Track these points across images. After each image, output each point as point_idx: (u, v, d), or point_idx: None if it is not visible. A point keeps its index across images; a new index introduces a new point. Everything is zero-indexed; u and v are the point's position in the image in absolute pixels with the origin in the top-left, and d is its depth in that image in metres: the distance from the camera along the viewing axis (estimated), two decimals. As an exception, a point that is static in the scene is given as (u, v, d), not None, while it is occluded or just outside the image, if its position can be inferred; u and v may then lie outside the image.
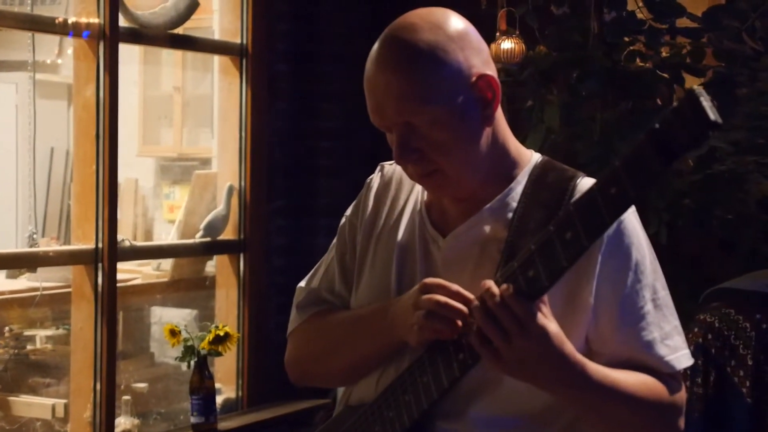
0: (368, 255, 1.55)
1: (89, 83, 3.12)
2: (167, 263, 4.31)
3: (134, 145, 6.13)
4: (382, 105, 1.41)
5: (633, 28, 3.05)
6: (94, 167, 3.11)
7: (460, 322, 1.35)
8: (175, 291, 4.25)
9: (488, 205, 1.46)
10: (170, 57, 6.03)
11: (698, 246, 3.04)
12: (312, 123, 3.81)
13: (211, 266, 4.01)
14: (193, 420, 3.04)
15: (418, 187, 1.55)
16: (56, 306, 4.00)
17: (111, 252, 3.12)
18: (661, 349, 1.42)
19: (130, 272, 4.30)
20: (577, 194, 1.40)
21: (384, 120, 1.43)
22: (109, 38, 3.11)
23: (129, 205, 5.72)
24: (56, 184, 6.08)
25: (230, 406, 3.59)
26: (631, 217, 1.43)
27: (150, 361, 4.37)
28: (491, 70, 1.45)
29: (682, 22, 3.07)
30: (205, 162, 5.83)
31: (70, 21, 3.10)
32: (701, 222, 2.92)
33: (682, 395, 1.45)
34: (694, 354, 1.88)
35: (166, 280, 4.28)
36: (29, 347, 4.08)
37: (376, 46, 1.44)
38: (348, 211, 1.63)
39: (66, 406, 3.58)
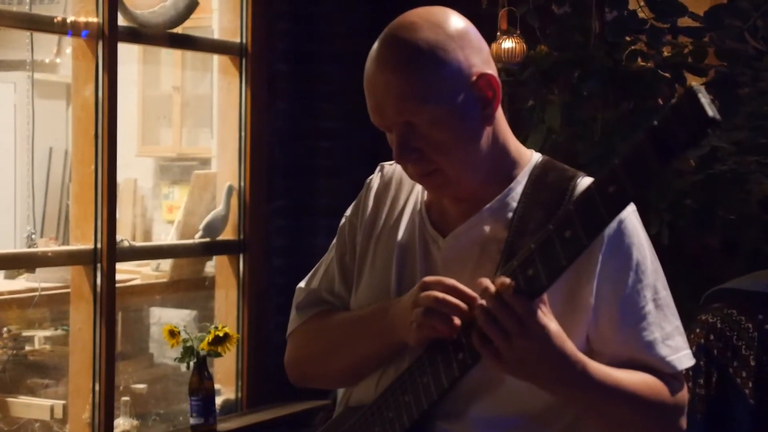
0: (368, 255, 1.55)
1: (88, 83, 3.12)
2: (166, 264, 4.31)
3: (133, 145, 6.13)
4: (382, 104, 1.41)
5: (634, 27, 3.05)
6: (93, 167, 3.11)
7: (458, 320, 1.34)
8: (174, 291, 4.25)
9: (488, 205, 1.46)
10: (169, 56, 6.03)
11: (700, 246, 3.04)
12: (312, 123, 3.81)
13: (211, 267, 4.01)
14: (192, 421, 3.04)
15: (418, 187, 1.55)
16: (55, 306, 4.00)
17: (110, 252, 3.12)
18: (663, 350, 1.41)
19: (129, 273, 4.29)
20: (577, 194, 1.39)
21: (384, 120, 1.43)
22: (108, 37, 3.10)
23: (128, 205, 5.71)
24: (55, 184, 6.08)
25: (230, 407, 3.58)
26: (631, 217, 1.43)
27: (149, 362, 4.36)
28: (491, 70, 1.44)
29: (684, 22, 3.06)
30: (205, 162, 5.83)
31: (68, 20, 3.09)
32: (703, 222, 2.91)
33: (683, 395, 1.45)
34: (696, 355, 1.87)
35: (165, 280, 4.27)
36: (28, 348, 4.09)
37: (375, 45, 1.44)
38: (348, 212, 1.62)
39: (65, 407, 3.58)
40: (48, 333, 4.13)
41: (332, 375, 1.58)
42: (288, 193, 3.76)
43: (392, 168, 1.60)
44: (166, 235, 5.31)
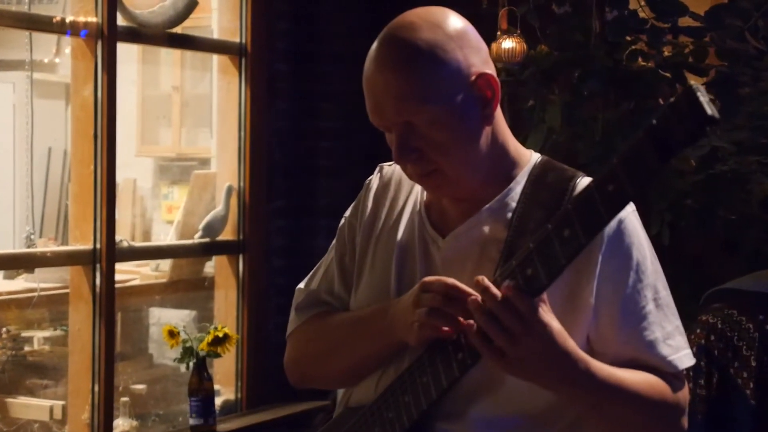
0: (368, 256, 1.55)
1: (87, 83, 3.12)
2: (166, 264, 4.30)
3: (132, 145, 6.12)
4: (381, 105, 1.41)
5: (635, 27, 3.04)
6: (92, 167, 3.11)
7: (462, 320, 1.34)
8: (173, 292, 4.25)
9: (488, 206, 1.46)
10: (169, 56, 6.03)
11: (700, 246, 3.04)
12: (312, 123, 3.81)
13: (210, 267, 4.01)
14: (191, 422, 3.03)
15: (418, 188, 1.55)
16: (54, 307, 3.99)
17: (109, 252, 3.12)
18: (664, 349, 1.41)
19: (128, 273, 4.29)
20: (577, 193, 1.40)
21: (383, 120, 1.42)
22: (107, 37, 3.10)
23: (127, 205, 5.71)
24: (54, 184, 6.07)
25: (229, 408, 3.58)
26: (631, 217, 1.43)
27: (148, 362, 4.36)
28: (490, 69, 1.44)
29: (685, 21, 3.06)
30: (204, 162, 5.82)
31: (67, 20, 3.09)
32: (703, 222, 2.91)
33: (685, 394, 1.45)
34: (696, 355, 1.87)
35: (164, 280, 4.27)
36: (27, 348, 4.09)
37: (375, 45, 1.44)
38: (347, 213, 1.62)
39: (64, 408, 3.58)
40: (47, 333, 4.13)
41: (332, 376, 1.58)
42: (288, 194, 3.76)
43: (391, 169, 1.60)
44: (165, 236, 5.30)
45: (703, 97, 1.11)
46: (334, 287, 1.59)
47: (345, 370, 1.53)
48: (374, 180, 1.60)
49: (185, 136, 6.24)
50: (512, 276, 1.28)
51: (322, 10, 3.81)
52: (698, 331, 2.12)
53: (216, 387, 3.26)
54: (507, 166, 1.48)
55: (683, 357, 1.43)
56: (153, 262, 4.43)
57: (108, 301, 3.11)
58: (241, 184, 3.63)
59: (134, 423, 3.38)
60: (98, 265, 3.11)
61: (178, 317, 4.27)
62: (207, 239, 3.58)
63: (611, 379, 1.36)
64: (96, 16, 3.09)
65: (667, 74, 3.02)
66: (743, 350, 2.07)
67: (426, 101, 1.38)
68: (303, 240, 3.76)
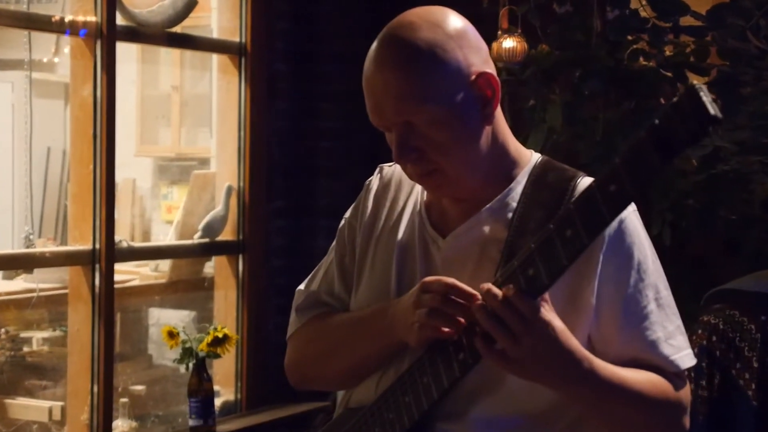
0: (368, 257, 1.55)
1: (86, 82, 3.11)
2: (165, 264, 4.30)
3: (132, 144, 6.12)
4: (381, 104, 1.41)
5: (636, 26, 3.04)
6: (91, 167, 3.11)
7: (463, 320, 1.34)
8: (173, 292, 4.24)
9: (488, 206, 1.46)
10: (168, 56, 6.03)
11: (702, 247, 3.03)
12: (312, 123, 3.80)
13: (210, 267, 4.01)
14: (191, 423, 3.03)
15: (418, 188, 1.54)
16: (53, 307, 4.00)
17: (108, 253, 3.12)
18: (666, 349, 1.42)
19: (127, 273, 4.29)
20: (578, 194, 1.39)
21: (383, 119, 1.42)
22: (106, 37, 3.10)
23: (126, 205, 5.70)
24: (53, 184, 6.07)
25: (229, 409, 3.58)
26: (632, 217, 1.43)
27: (148, 363, 4.36)
28: (491, 69, 1.44)
29: (686, 21, 3.05)
30: (204, 162, 5.82)
31: (66, 19, 3.09)
32: (705, 223, 2.90)
33: (687, 393, 1.45)
34: (698, 356, 1.87)
35: (164, 281, 4.27)
36: (26, 349, 4.09)
37: (374, 45, 1.44)
38: (347, 214, 1.62)
39: (63, 409, 3.58)
40: (46, 334, 4.13)
41: (332, 377, 1.57)
42: (287, 194, 3.76)
43: (391, 169, 1.60)
44: (164, 236, 5.30)
45: (706, 97, 1.11)
46: (334, 288, 1.59)
47: (345, 370, 1.53)
48: (374, 181, 1.60)
49: (185, 136, 6.24)
50: (514, 276, 1.28)
51: (322, 9, 3.81)
52: (700, 331, 2.12)
53: (216, 388, 3.26)
54: (507, 166, 1.48)
55: (685, 357, 1.43)
56: (152, 263, 4.43)
57: (107, 301, 3.11)
58: (241, 184, 3.62)
59: (133, 424, 3.38)
60: (97, 266, 3.10)
61: (178, 318, 4.27)
62: (206, 239, 3.58)
63: (614, 378, 1.36)
64: (95, 15, 3.09)
65: (669, 74, 3.02)
66: (745, 351, 2.07)
67: (426, 101, 1.38)
68: (303, 240, 3.75)
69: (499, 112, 1.46)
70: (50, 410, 3.69)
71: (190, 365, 3.01)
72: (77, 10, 3.11)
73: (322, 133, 3.82)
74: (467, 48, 1.41)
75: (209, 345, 2.98)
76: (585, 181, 1.43)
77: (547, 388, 1.35)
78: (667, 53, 3.08)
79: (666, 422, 1.43)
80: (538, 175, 1.47)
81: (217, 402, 3.36)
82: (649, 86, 3.03)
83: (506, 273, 1.29)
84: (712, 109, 1.11)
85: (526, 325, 1.26)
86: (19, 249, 4.99)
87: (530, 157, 1.50)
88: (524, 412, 1.42)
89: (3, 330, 4.03)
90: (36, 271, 3.95)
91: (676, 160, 1.14)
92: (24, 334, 4.10)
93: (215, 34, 3.93)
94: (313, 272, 1.64)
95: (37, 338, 4.11)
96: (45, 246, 4.89)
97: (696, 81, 1.32)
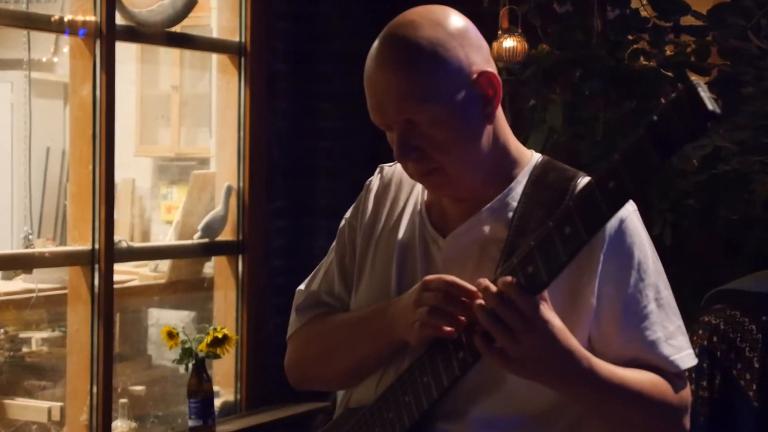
0: (368, 257, 1.55)
1: (86, 82, 3.11)
2: (165, 264, 4.30)
3: (131, 144, 6.11)
4: (383, 103, 1.41)
5: (637, 26, 3.04)
6: (91, 167, 3.11)
7: (464, 319, 1.34)
8: (172, 292, 4.24)
9: (488, 205, 1.46)
10: (168, 55, 6.02)
11: (702, 247, 3.03)
12: (312, 123, 3.80)
13: (210, 267, 4.00)
14: (191, 423, 3.01)
15: (418, 188, 1.54)
16: (52, 308, 3.99)
17: (108, 253, 3.11)
18: (666, 349, 1.41)
19: (127, 273, 4.29)
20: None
21: (384, 118, 1.42)
22: (105, 36, 3.09)
23: (126, 205, 5.70)
24: (52, 184, 6.07)
25: (229, 409, 3.57)
26: (632, 217, 1.43)
27: (147, 363, 4.35)
28: (492, 68, 1.45)
29: (687, 20, 3.05)
30: (203, 162, 5.81)
31: (66, 19, 3.09)
32: (706, 223, 2.90)
33: (687, 394, 1.45)
34: (699, 357, 1.86)
35: (163, 281, 4.27)
36: (25, 349, 4.09)
37: (376, 43, 1.44)
38: (347, 214, 1.62)
39: (62, 410, 3.58)
40: (45, 334, 4.12)
41: (332, 376, 1.57)
42: (287, 194, 3.75)
43: (392, 169, 1.60)
44: (164, 236, 5.30)
45: (704, 93, 1.11)
46: (335, 288, 1.59)
47: (345, 370, 1.53)
48: (375, 181, 1.60)
49: (184, 136, 6.23)
50: (513, 274, 1.28)
51: (322, 10, 3.80)
52: (700, 332, 2.11)
53: (215, 388, 3.25)
54: (508, 166, 1.48)
55: (685, 357, 1.43)
56: (152, 263, 4.43)
57: (107, 301, 3.11)
58: (241, 184, 3.62)
59: (133, 424, 3.38)
60: (97, 266, 3.10)
61: (177, 318, 4.26)
62: (206, 239, 3.58)
63: (613, 377, 1.36)
64: (94, 14, 3.09)
65: (669, 73, 3.02)
66: (746, 352, 2.07)
67: (427, 100, 1.38)
68: (302, 240, 3.75)
69: (500, 112, 1.46)
70: (49, 411, 3.69)
71: (190, 366, 3.00)
72: (76, 9, 3.10)
73: (322, 133, 3.82)
74: (468, 47, 1.41)
75: (209, 345, 2.97)
76: (585, 181, 1.43)
77: (547, 387, 1.35)
78: (668, 53, 3.08)
79: (666, 422, 1.42)
80: (538, 175, 1.47)
81: (217, 402, 3.36)
82: (650, 86, 3.03)
83: (506, 270, 1.29)
84: (711, 105, 1.11)
85: (526, 322, 1.26)
86: (19, 249, 4.99)
87: (531, 157, 1.50)
88: (524, 411, 1.41)
89: (2, 330, 4.03)
90: (35, 271, 3.95)
91: (677, 159, 1.14)
92: (23, 335, 4.10)
93: (215, 34, 3.93)
94: (313, 272, 1.64)
95: (36, 338, 4.11)
96: (44, 246, 4.89)
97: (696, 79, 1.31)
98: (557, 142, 3.05)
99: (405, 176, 1.52)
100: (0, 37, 5.78)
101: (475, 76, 1.40)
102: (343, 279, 1.58)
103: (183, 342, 2.98)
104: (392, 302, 1.45)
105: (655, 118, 1.14)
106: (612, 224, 1.36)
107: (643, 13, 3.05)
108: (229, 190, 3.58)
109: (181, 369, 3.01)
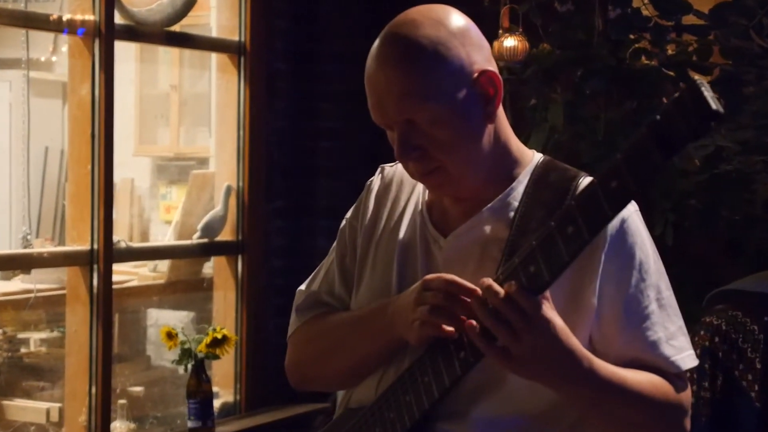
0: (369, 257, 1.55)
1: (84, 81, 3.11)
2: (164, 265, 4.29)
3: (130, 144, 6.11)
4: (383, 102, 1.41)
5: (638, 25, 3.03)
6: (90, 167, 3.10)
7: (465, 318, 1.33)
8: (171, 293, 4.24)
9: (489, 205, 1.46)
10: (167, 55, 6.02)
11: (704, 247, 3.03)
12: (312, 123, 3.80)
13: (209, 268, 4.00)
14: (190, 424, 3.01)
15: (419, 188, 1.54)
16: (50, 308, 3.99)
17: (106, 253, 3.11)
18: (667, 349, 1.41)
19: (126, 274, 4.28)
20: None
21: (385, 117, 1.42)
22: (104, 35, 3.09)
23: (125, 205, 5.69)
24: (51, 184, 6.06)
25: (228, 410, 3.57)
26: (634, 217, 1.43)
27: (146, 364, 4.35)
28: (493, 67, 1.44)
29: (689, 19, 3.04)
30: (203, 162, 5.81)
31: (64, 18, 3.08)
32: (707, 223, 2.90)
33: (688, 395, 1.45)
34: (700, 357, 1.85)
35: (162, 281, 4.27)
36: (23, 350, 4.09)
37: (376, 42, 1.44)
38: (348, 214, 1.62)
39: (61, 410, 3.58)
40: (44, 335, 4.12)
41: (332, 376, 1.57)
42: (287, 194, 3.75)
43: (393, 170, 1.59)
44: (163, 236, 5.30)
45: (707, 93, 1.11)
46: (335, 288, 1.59)
47: (345, 369, 1.52)
48: (375, 181, 1.60)
49: (183, 136, 6.23)
50: (515, 273, 1.27)
51: (322, 9, 3.80)
52: (702, 332, 2.11)
53: (215, 389, 3.25)
54: (509, 165, 1.48)
55: (686, 357, 1.43)
56: (151, 263, 4.42)
57: (105, 302, 3.10)
58: (240, 184, 3.61)
59: (132, 425, 3.38)
60: (95, 266, 3.10)
61: (177, 318, 4.26)
62: (205, 240, 3.57)
63: (614, 378, 1.36)
64: (93, 14, 3.09)
65: (671, 73, 3.02)
66: (748, 352, 2.06)
67: (428, 99, 1.38)
68: (302, 240, 3.75)
69: (501, 111, 1.46)
70: (48, 412, 3.68)
71: (189, 366, 3.00)
72: (75, 8, 3.10)
73: (322, 133, 3.81)
74: (470, 46, 1.41)
75: (208, 346, 2.97)
76: (587, 181, 1.42)
77: (547, 387, 1.35)
78: (670, 52, 3.08)
79: (666, 423, 1.42)
80: (539, 174, 1.47)
81: (216, 403, 3.36)
82: (652, 85, 3.03)
83: (507, 270, 1.29)
84: (714, 104, 1.11)
85: (527, 321, 1.26)
86: (17, 249, 4.99)
87: (532, 157, 1.50)
88: (525, 412, 1.41)
89: (0, 331, 4.03)
90: (33, 271, 3.94)
91: (679, 159, 1.14)
92: (21, 335, 4.10)
93: (214, 33, 3.92)
94: (313, 273, 1.63)
95: (35, 339, 4.10)
96: (43, 246, 4.88)
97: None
98: (558, 142, 3.05)
99: (406, 176, 1.51)
100: (-1, 36, 5.78)
101: (476, 75, 1.40)
102: (344, 279, 1.58)
103: (182, 342, 2.98)
104: (392, 301, 1.45)
105: (657, 117, 1.14)
106: (613, 224, 1.36)
107: (645, 13, 3.05)
108: (228, 190, 3.58)
109: (181, 370, 3.01)
